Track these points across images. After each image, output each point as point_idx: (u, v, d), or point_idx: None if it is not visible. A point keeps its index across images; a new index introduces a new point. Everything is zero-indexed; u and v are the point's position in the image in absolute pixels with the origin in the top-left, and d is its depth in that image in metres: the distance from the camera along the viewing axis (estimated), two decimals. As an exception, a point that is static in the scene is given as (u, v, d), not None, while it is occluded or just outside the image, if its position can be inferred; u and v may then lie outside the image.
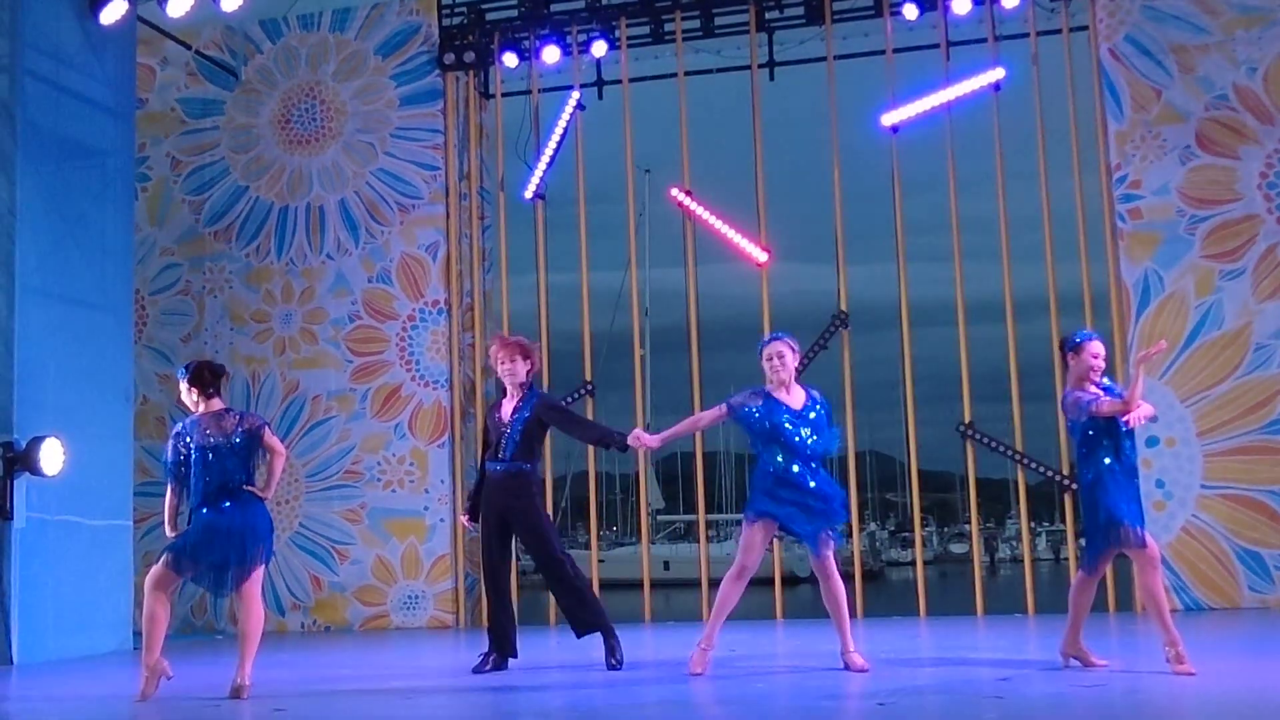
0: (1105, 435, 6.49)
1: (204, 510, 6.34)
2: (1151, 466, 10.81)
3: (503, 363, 7.34)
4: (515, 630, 7.43)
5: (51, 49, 9.92)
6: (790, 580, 13.95)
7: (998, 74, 11.68)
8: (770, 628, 11.22)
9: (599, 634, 7.28)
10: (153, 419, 12.40)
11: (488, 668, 7.27)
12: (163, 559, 6.40)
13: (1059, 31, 11.65)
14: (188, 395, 6.53)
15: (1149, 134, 11.15)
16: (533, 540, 7.31)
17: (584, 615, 7.29)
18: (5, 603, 8.96)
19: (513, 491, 7.22)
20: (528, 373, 7.36)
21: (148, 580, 6.39)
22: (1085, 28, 11.56)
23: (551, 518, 8.08)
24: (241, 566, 6.36)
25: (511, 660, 7.37)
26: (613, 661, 7.16)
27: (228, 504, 6.35)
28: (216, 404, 6.53)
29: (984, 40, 11.84)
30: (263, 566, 6.54)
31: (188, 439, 6.41)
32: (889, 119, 11.83)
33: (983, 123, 11.73)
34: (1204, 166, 11.01)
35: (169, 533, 6.52)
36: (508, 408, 7.33)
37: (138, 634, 10.47)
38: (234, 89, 12.98)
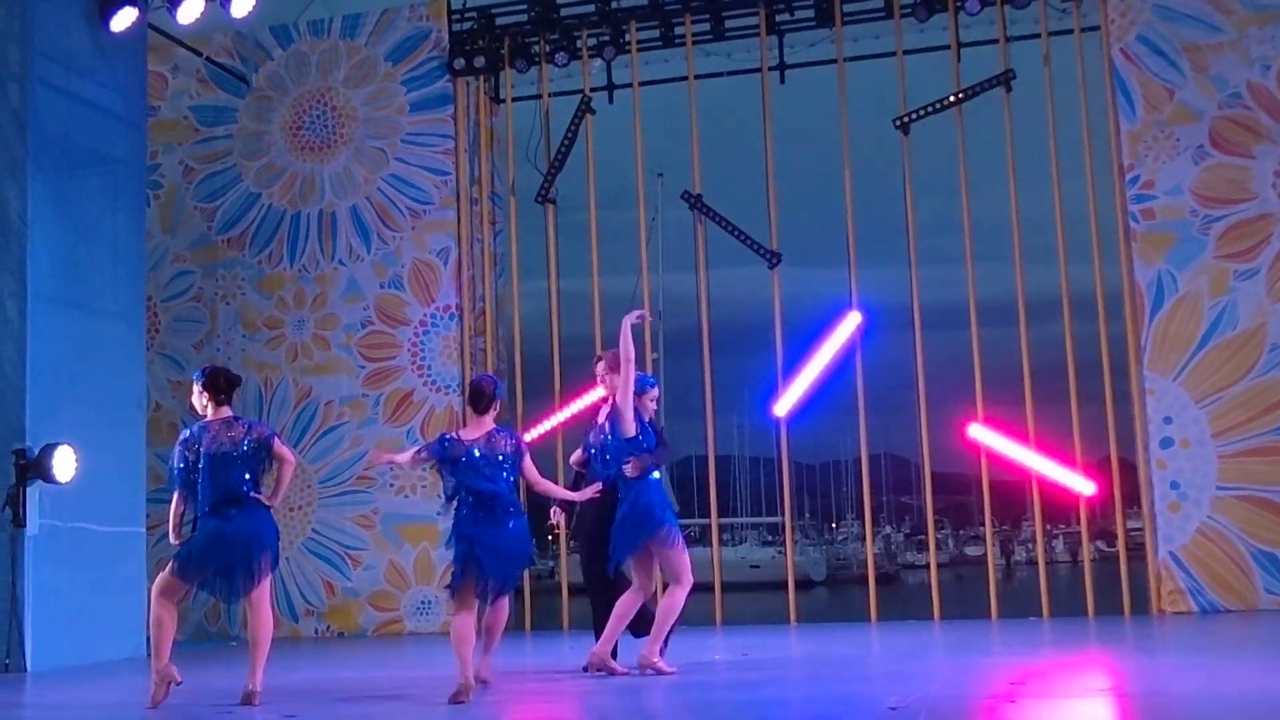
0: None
1: (210, 517, 6.33)
2: (1166, 468, 10.75)
3: (598, 375, 7.48)
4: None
5: (63, 57, 9.95)
6: (803, 584, 13.92)
7: (1009, 75, 11.62)
8: (784, 632, 11.19)
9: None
10: (165, 425, 12.41)
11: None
12: (169, 566, 6.40)
13: (1070, 32, 11.59)
14: (199, 399, 6.53)
15: (1162, 134, 11.09)
16: (590, 541, 7.46)
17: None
18: (18, 610, 8.98)
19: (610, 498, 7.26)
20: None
21: (154, 588, 6.39)
22: (1097, 27, 11.50)
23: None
24: (249, 574, 6.36)
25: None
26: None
27: (234, 511, 6.34)
28: (225, 411, 6.52)
29: (995, 41, 11.79)
30: (271, 574, 6.51)
31: (196, 445, 6.41)
32: (900, 121, 11.78)
33: (994, 124, 11.68)
34: (1218, 166, 10.94)
35: (173, 540, 6.52)
36: (603, 414, 7.37)
37: (150, 641, 10.52)
38: (245, 96, 13.01)
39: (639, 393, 7.11)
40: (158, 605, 6.33)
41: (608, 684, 6.89)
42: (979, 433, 11.33)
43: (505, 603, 6.84)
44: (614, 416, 7.16)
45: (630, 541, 7.00)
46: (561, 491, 7.26)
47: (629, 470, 6.97)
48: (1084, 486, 11.11)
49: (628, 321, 7.08)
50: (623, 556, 7.09)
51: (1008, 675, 6.63)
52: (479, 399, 6.70)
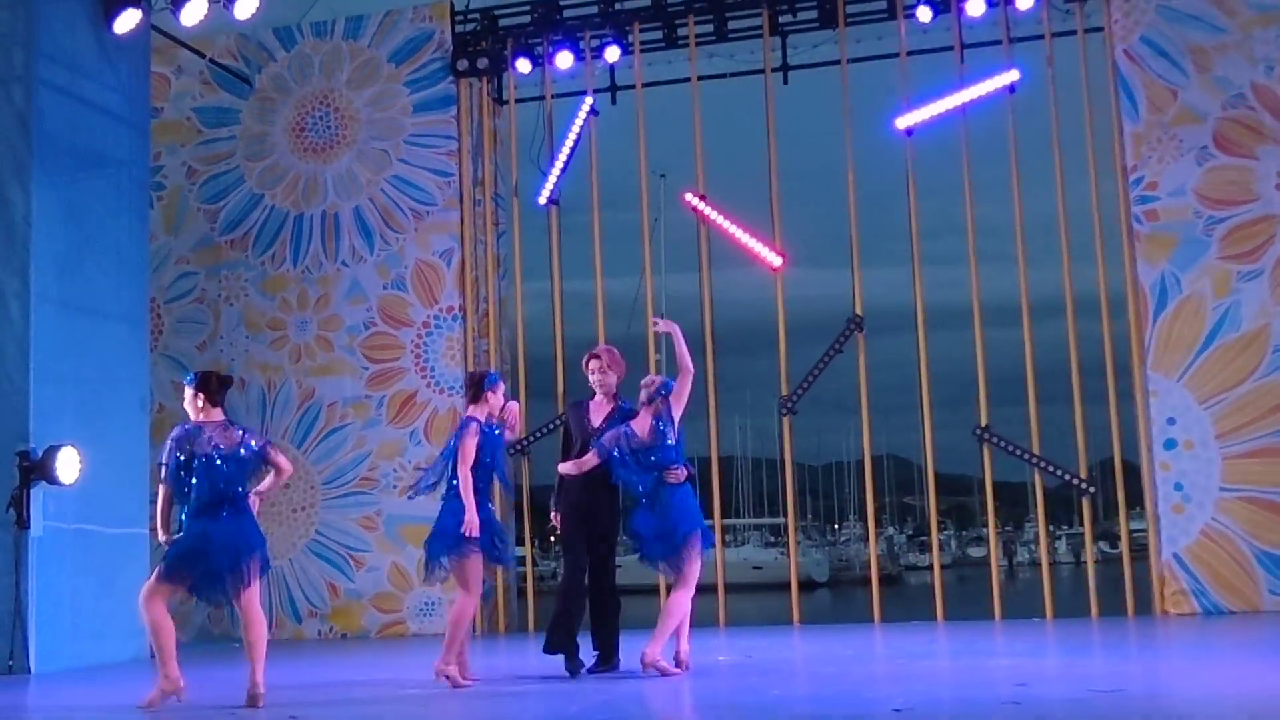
0: None
1: (199, 519, 6.29)
2: (1170, 469, 10.75)
3: (595, 371, 7.42)
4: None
5: (66, 59, 9.96)
6: (806, 585, 13.91)
7: (1012, 76, 11.62)
8: (787, 633, 11.19)
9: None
10: (169, 427, 12.20)
11: (595, 669, 7.30)
12: (155, 571, 6.37)
13: (1074, 33, 11.59)
14: (192, 402, 6.51)
15: (1165, 135, 11.08)
16: (606, 545, 7.41)
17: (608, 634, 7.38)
18: (23, 611, 8.99)
19: (599, 496, 7.31)
20: (616, 383, 7.45)
21: (142, 595, 6.33)
22: (1100, 29, 11.50)
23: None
24: (237, 578, 6.32)
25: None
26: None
27: (224, 514, 6.31)
28: (218, 414, 6.51)
29: (998, 42, 11.79)
30: (260, 578, 6.45)
31: (189, 445, 6.37)
32: (903, 122, 11.79)
33: (998, 125, 11.69)
34: (1221, 167, 10.94)
35: (161, 537, 6.46)
36: (598, 414, 7.37)
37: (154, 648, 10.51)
38: (248, 97, 13.02)
39: (667, 396, 7.16)
40: (151, 612, 6.27)
41: (612, 685, 6.89)
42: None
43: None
44: (613, 417, 7.26)
45: (672, 544, 7.07)
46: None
47: (675, 477, 7.06)
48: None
49: (678, 333, 7.21)
50: (663, 556, 7.13)
51: (1012, 676, 6.62)
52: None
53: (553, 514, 7.65)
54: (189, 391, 6.53)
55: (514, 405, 7.47)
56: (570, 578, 7.38)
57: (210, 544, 6.26)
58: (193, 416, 6.51)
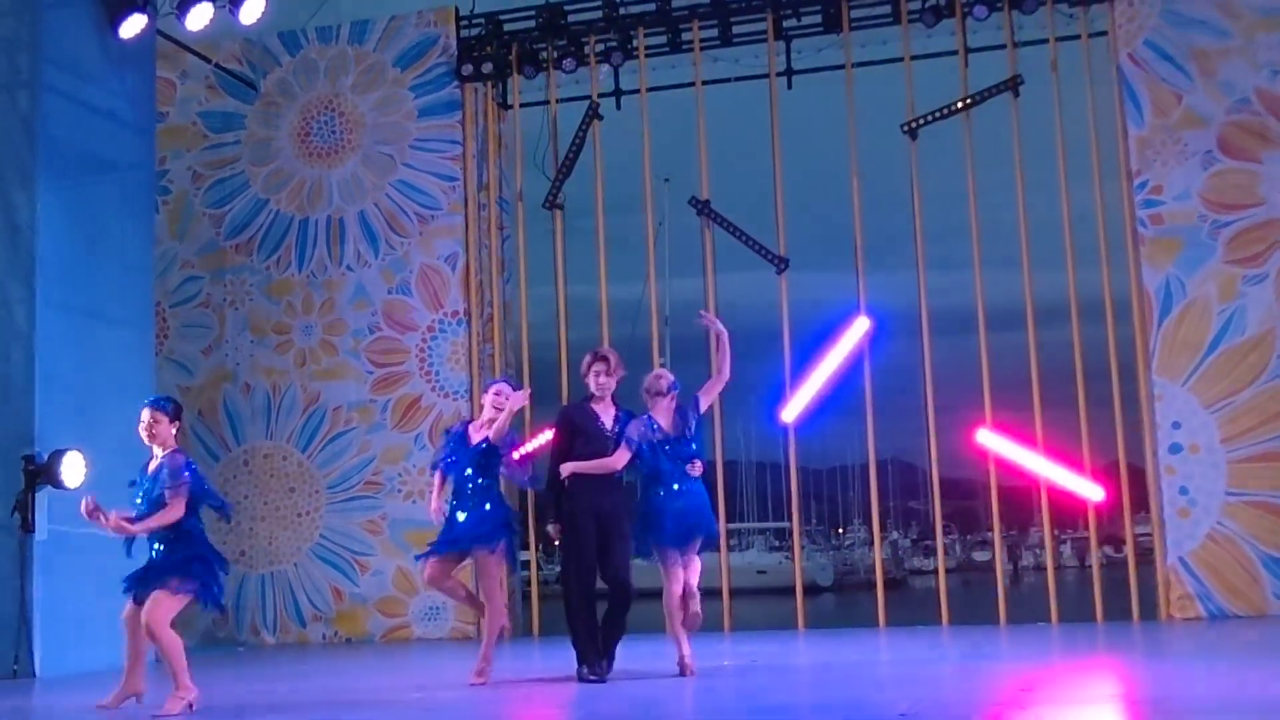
0: None
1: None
2: (1175, 473, 10.74)
3: (600, 374, 7.35)
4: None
5: (71, 64, 9.98)
6: (810, 589, 13.89)
7: (1017, 80, 11.61)
8: (792, 638, 11.17)
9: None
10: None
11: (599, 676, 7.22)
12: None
13: (1078, 37, 11.59)
14: (170, 428, 6.58)
15: (1170, 139, 11.08)
16: (622, 546, 7.28)
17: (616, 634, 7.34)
18: (28, 615, 8.99)
19: (614, 497, 7.27)
20: (616, 386, 7.49)
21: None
22: (1104, 33, 11.49)
23: None
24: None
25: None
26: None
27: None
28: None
29: (1003, 47, 11.79)
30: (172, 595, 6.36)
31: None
32: (908, 126, 11.78)
33: (1002, 129, 11.68)
34: (1226, 171, 10.93)
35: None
36: (607, 417, 7.35)
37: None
38: (253, 102, 13.04)
39: (668, 395, 7.25)
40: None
41: (617, 689, 6.89)
42: (987, 438, 11.32)
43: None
44: (620, 419, 7.30)
45: (688, 535, 7.13)
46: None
47: (695, 470, 7.16)
48: (1092, 492, 11.08)
49: (725, 337, 7.38)
50: (678, 546, 7.15)
51: (1018, 681, 6.61)
52: None
53: (551, 525, 7.45)
54: (167, 421, 6.58)
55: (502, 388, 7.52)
56: (589, 586, 7.24)
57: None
58: (171, 443, 6.50)
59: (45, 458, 9.16)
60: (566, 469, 7.21)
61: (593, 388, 7.35)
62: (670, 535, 7.13)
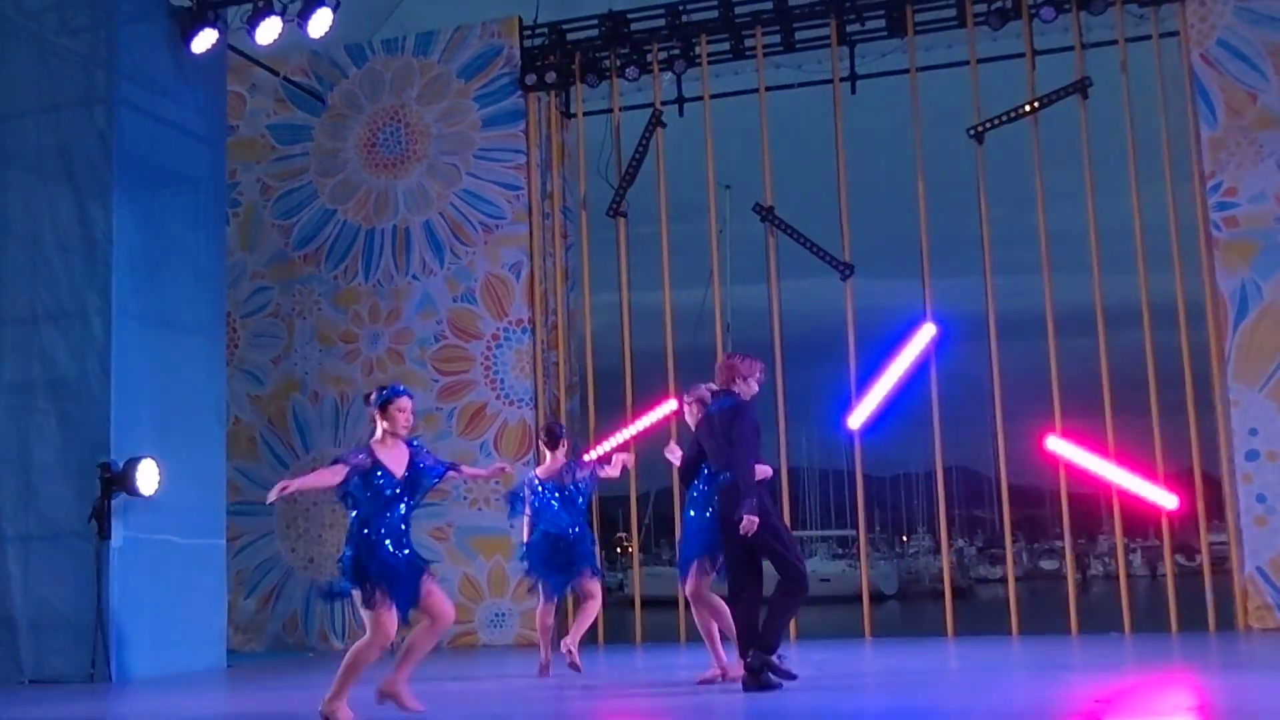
0: None
1: None
2: (1252, 480, 10.52)
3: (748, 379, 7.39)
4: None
5: (145, 80, 10.16)
6: (874, 597, 13.77)
7: (1085, 82, 11.44)
8: (859, 646, 11.09)
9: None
10: (245, 439, 12.62)
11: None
12: None
13: (1148, 38, 11.40)
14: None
15: (1245, 139, 10.86)
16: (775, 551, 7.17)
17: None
18: (103, 621, 9.15)
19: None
20: None
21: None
22: (1175, 33, 11.29)
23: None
24: None
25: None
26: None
27: None
28: None
29: (1071, 48, 11.63)
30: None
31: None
32: (974, 130, 11.65)
33: (1070, 132, 11.51)
34: (1303, 171, 10.70)
35: None
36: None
37: (232, 651, 10.69)
38: (321, 114, 13.20)
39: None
40: None
41: (678, 695, 6.87)
42: (1057, 445, 11.16)
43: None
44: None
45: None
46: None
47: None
48: (1167, 500, 10.88)
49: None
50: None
51: (1093, 692, 6.51)
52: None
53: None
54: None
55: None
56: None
57: None
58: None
59: (121, 465, 9.33)
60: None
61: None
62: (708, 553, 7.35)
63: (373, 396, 6.31)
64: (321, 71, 13.22)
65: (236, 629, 11.87)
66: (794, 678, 6.80)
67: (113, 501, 9.28)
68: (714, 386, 7.35)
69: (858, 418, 11.63)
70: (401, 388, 6.55)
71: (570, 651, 8.04)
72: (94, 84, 9.89)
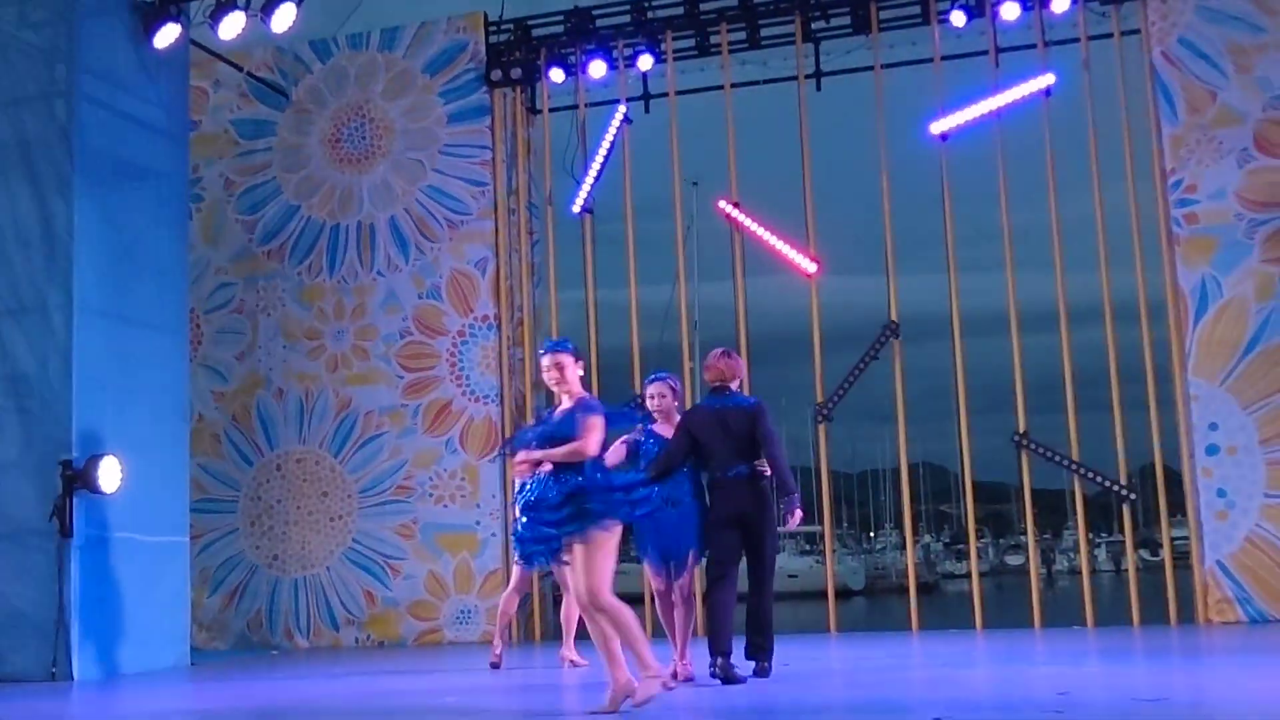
0: None
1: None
2: (1212, 475, 10.63)
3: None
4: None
5: (107, 74, 10.07)
6: (841, 593, 13.83)
7: (1048, 80, 11.54)
8: (825, 642, 11.13)
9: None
10: (208, 436, 12.54)
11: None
12: None
13: (1110, 36, 11.50)
14: (576, 370, 6.07)
15: (1205, 137, 10.98)
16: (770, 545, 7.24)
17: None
18: (65, 619, 9.07)
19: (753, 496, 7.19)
20: None
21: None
22: (1137, 31, 11.40)
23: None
24: None
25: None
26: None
27: None
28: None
29: (1034, 46, 11.72)
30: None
31: None
32: (938, 127, 11.73)
33: (1033, 130, 11.60)
34: (1263, 169, 10.82)
35: None
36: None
37: (196, 649, 10.61)
38: (285, 109, 13.13)
39: None
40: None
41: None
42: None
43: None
44: None
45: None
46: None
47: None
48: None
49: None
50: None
51: (1054, 685, 6.56)
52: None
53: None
54: (572, 360, 6.06)
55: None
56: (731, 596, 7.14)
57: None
58: (577, 390, 6.04)
59: (82, 463, 9.24)
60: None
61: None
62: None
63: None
64: (285, 67, 13.15)
65: (200, 627, 11.79)
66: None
67: (74, 499, 9.19)
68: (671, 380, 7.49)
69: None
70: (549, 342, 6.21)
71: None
72: (55, 78, 9.77)
